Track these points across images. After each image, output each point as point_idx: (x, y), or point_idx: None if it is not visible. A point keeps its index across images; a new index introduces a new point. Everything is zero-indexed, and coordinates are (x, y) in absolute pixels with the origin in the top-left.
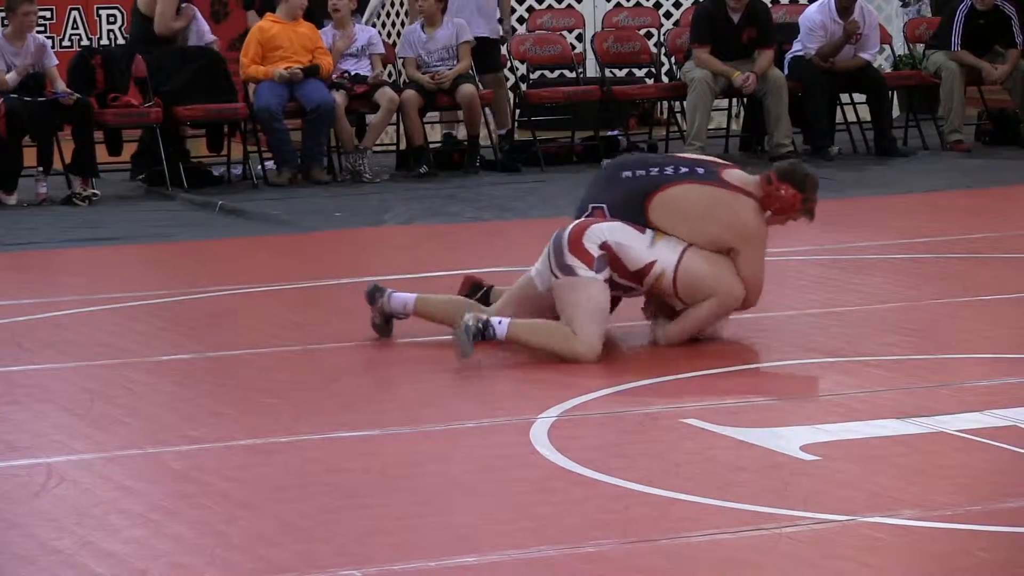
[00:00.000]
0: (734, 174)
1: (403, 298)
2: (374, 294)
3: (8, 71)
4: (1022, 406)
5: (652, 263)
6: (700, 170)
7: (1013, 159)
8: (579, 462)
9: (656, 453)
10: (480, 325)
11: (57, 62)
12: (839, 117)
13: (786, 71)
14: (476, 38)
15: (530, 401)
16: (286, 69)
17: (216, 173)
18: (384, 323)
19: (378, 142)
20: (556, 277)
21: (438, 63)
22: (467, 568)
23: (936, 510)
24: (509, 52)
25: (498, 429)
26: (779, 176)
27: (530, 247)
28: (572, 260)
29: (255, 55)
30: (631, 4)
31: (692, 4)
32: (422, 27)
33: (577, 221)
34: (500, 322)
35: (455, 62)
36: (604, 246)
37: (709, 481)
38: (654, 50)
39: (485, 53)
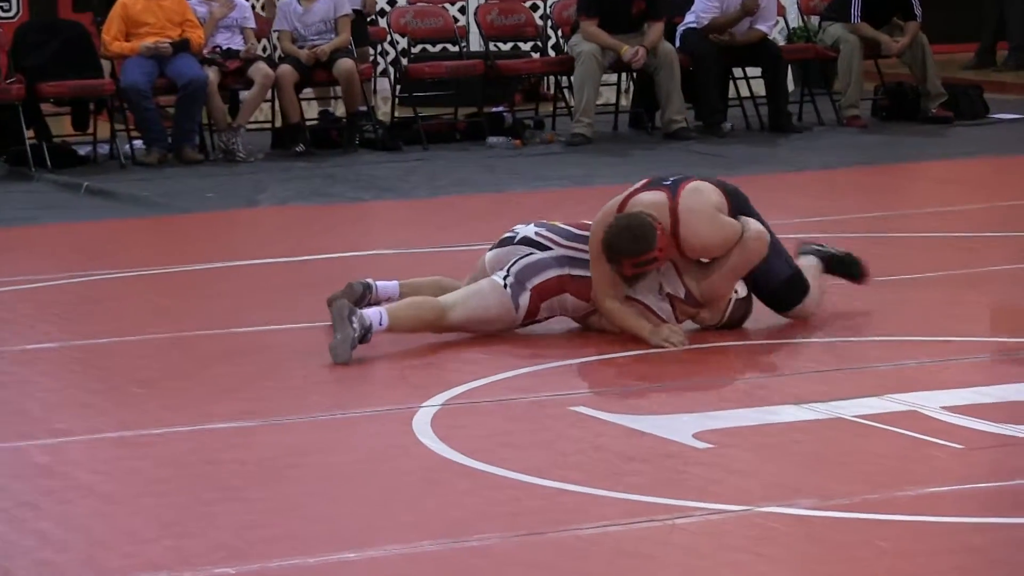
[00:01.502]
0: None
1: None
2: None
3: None
4: (921, 390)
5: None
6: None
7: (911, 135)
8: (465, 452)
9: (544, 442)
10: (363, 331)
11: None
12: (732, 92)
13: (677, 44)
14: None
15: (414, 388)
16: (153, 43)
17: (82, 153)
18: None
19: (252, 120)
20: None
21: (315, 37)
22: (348, 564)
23: (834, 499)
24: (389, 25)
25: (381, 418)
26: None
27: (412, 228)
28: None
29: (118, 31)
30: None
31: None
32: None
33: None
34: (381, 320)
35: (332, 36)
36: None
37: (599, 471)
38: (540, 23)
39: (355, 27)
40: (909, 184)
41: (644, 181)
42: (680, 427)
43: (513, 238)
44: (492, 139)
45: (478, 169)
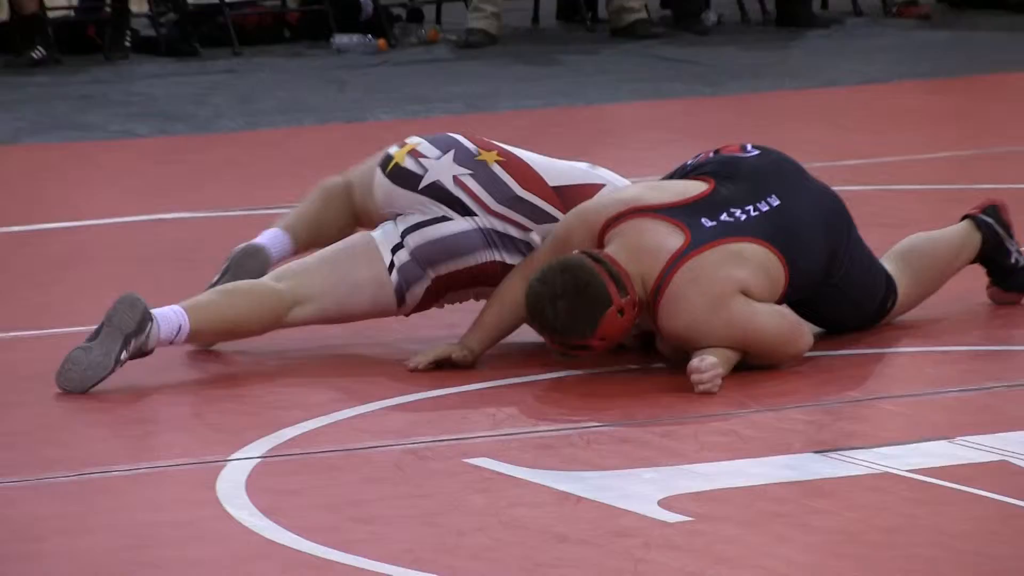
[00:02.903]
0: None
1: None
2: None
3: None
4: (1014, 429)
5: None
6: None
7: (998, 29)
8: (299, 532)
9: (426, 515)
10: (138, 348)
11: None
12: None
13: None
14: None
15: (216, 432)
16: None
17: None
18: None
19: None
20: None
21: None
22: None
23: None
24: None
25: (163, 479)
26: None
27: (213, 182)
28: None
29: None
30: None
31: None
32: None
33: None
34: (181, 327)
35: None
36: None
37: (512, 561)
38: None
39: None
40: (999, 106)
41: (700, 163)
42: (639, 489)
43: (418, 178)
44: (341, 39)
45: (319, 86)
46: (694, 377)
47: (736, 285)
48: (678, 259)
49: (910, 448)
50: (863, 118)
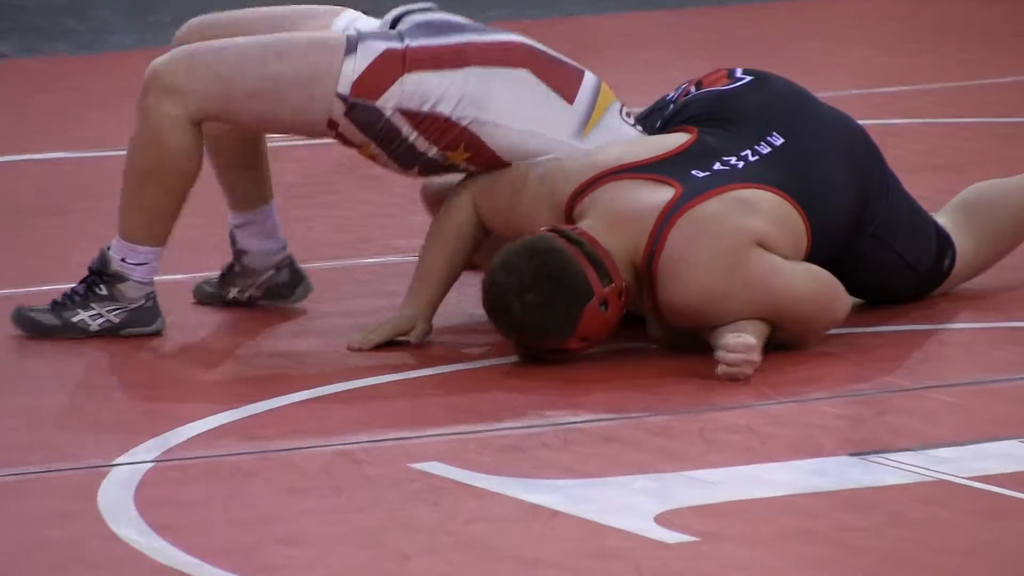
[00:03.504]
0: None
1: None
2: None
3: None
4: None
5: None
6: None
7: None
8: (197, 554)
9: (360, 533)
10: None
11: None
12: None
13: None
14: None
15: (106, 429)
16: None
17: None
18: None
19: None
20: None
21: None
22: None
23: None
24: None
25: (35, 488)
26: None
27: (108, 115)
28: None
29: None
30: None
31: None
32: None
33: None
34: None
35: None
36: None
37: None
38: None
39: None
40: None
41: (680, 105)
42: (629, 501)
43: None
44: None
45: None
46: (721, 355)
47: (750, 236)
48: (671, 212)
49: (971, 449)
50: (903, 34)
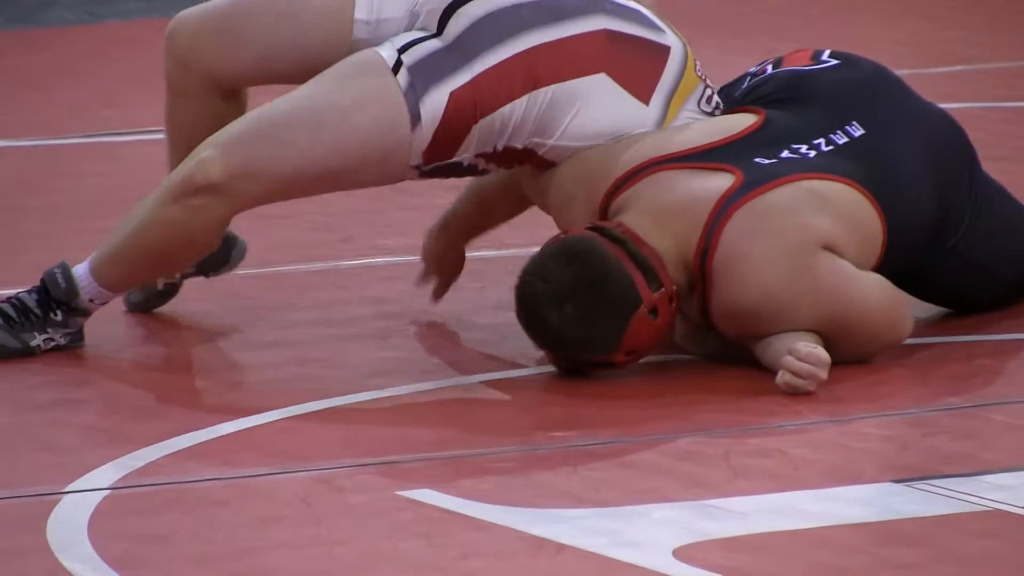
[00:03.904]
0: None
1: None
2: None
3: None
4: None
5: None
6: None
7: None
8: None
9: (342, 568)
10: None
11: None
12: None
13: None
14: None
15: (57, 452)
16: None
17: None
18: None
19: None
20: None
21: None
22: None
23: None
24: None
25: None
26: None
27: (50, 97)
28: None
29: None
30: None
31: None
32: None
33: None
34: (87, 283)
35: None
36: None
37: None
38: None
39: None
40: None
41: (755, 83)
42: (646, 533)
43: None
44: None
45: None
46: (788, 361)
47: (817, 237)
48: (728, 202)
49: (1014, 476)
50: (957, 7)
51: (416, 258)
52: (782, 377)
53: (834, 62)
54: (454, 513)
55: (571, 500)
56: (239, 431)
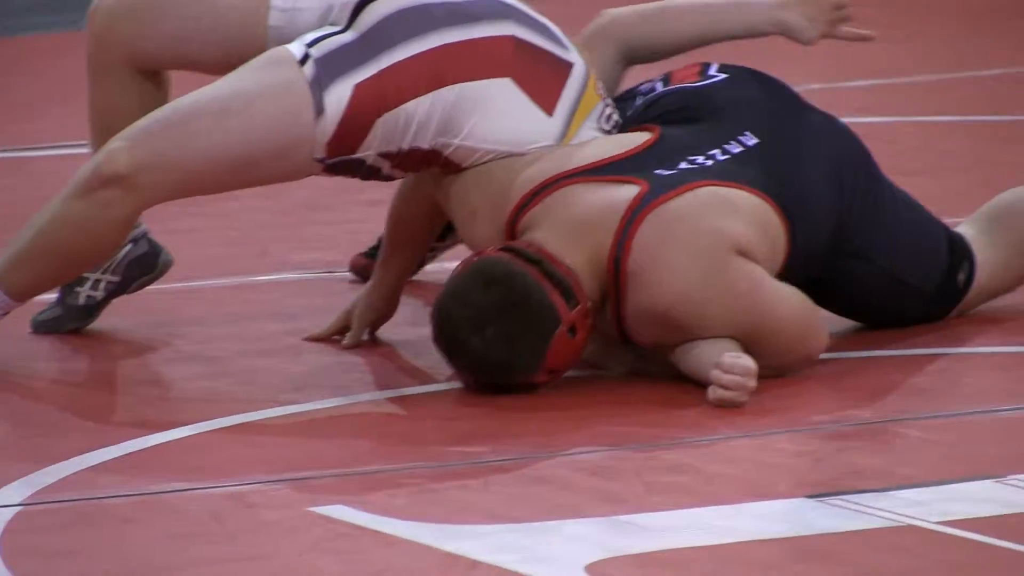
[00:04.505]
0: None
1: None
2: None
3: None
4: None
5: None
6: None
7: None
8: None
9: None
10: None
11: None
12: None
13: None
14: None
15: None
16: None
17: None
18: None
19: None
20: None
21: None
22: None
23: None
24: None
25: None
26: None
27: None
28: None
29: None
30: None
31: None
32: None
33: None
34: None
35: None
36: None
37: None
38: None
39: None
40: None
41: (647, 101)
42: (559, 549)
43: None
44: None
45: None
46: (716, 375)
47: (730, 241)
48: (637, 210)
49: (944, 491)
50: (873, 20)
51: (330, 273)
52: (713, 393)
53: (722, 76)
54: (367, 529)
55: (484, 516)
56: (151, 447)
